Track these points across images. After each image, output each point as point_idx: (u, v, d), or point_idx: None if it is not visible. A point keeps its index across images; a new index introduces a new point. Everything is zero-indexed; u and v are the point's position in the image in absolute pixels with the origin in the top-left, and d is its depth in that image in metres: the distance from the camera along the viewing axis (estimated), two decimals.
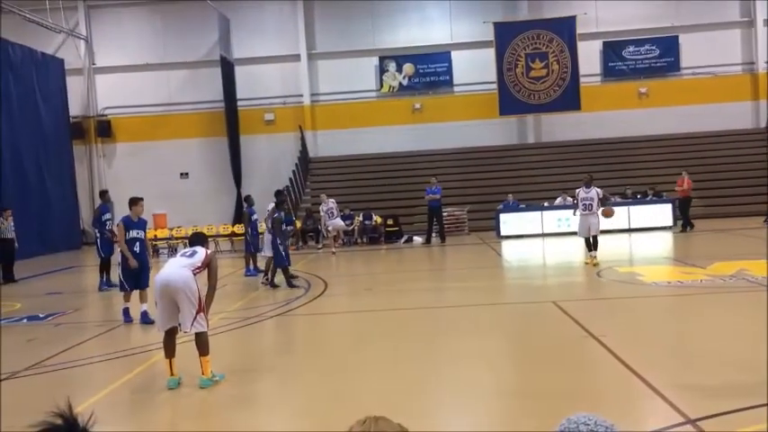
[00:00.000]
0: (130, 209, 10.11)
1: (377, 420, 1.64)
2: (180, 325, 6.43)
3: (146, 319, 9.68)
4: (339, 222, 18.81)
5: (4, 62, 22.25)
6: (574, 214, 14.34)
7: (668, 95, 26.42)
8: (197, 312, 6.34)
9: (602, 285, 11.47)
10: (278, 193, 14.41)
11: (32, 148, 23.35)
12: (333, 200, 19.04)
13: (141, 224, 10.20)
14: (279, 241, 12.57)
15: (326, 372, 6.98)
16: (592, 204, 13.46)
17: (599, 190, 13.73)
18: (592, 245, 13.51)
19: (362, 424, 1.63)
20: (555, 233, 19.89)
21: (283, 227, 13.07)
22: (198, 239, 7.07)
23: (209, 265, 6.58)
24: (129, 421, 5.81)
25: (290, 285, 12.52)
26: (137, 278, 9.92)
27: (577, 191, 13.87)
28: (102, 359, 7.95)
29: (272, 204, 13.80)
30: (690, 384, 5.72)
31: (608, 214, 13.87)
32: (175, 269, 6.45)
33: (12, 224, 16.18)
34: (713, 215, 19.88)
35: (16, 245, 16.37)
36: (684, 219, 19.37)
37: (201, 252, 6.66)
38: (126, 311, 9.94)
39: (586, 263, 13.46)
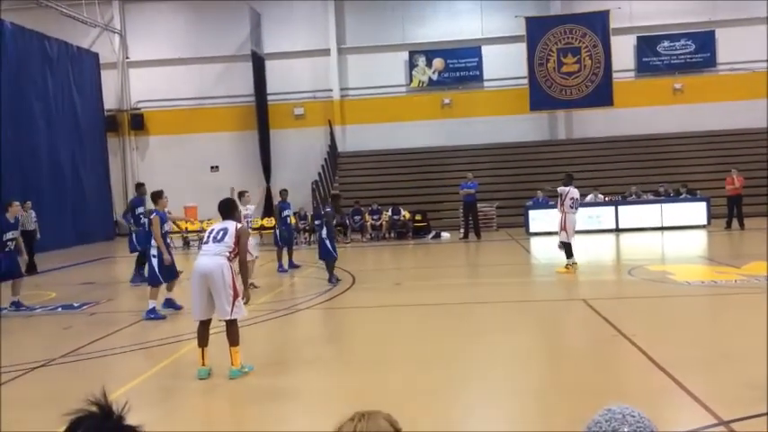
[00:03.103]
0: (156, 202, 10.22)
1: (368, 417, 1.61)
2: (217, 314, 6.50)
3: (172, 306, 10.07)
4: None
5: (42, 56, 22.72)
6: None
7: (704, 91, 25.91)
8: (234, 298, 6.43)
9: (633, 284, 11.31)
10: (334, 197, 14.68)
11: (68, 141, 23.80)
12: (252, 206, 13.97)
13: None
14: (324, 236, 12.51)
15: (354, 366, 7.01)
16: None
17: (563, 189, 12.52)
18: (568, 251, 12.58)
19: (352, 422, 1.61)
20: (585, 230, 19.65)
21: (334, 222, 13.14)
22: (227, 208, 6.83)
23: (239, 240, 6.56)
24: (160, 410, 5.89)
25: (331, 281, 12.33)
26: (170, 270, 10.06)
27: (570, 189, 12.60)
28: (135, 348, 8.09)
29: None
30: (722, 385, 5.62)
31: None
32: (212, 258, 6.46)
33: (33, 215, 16.27)
34: (750, 214, 19.46)
35: (38, 236, 16.42)
36: (731, 217, 19.04)
37: (231, 229, 6.56)
38: (153, 310, 9.81)
39: (566, 270, 12.39)
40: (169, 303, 10.21)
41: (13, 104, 20.59)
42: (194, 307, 6.62)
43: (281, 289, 12.39)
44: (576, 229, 18.64)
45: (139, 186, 14.34)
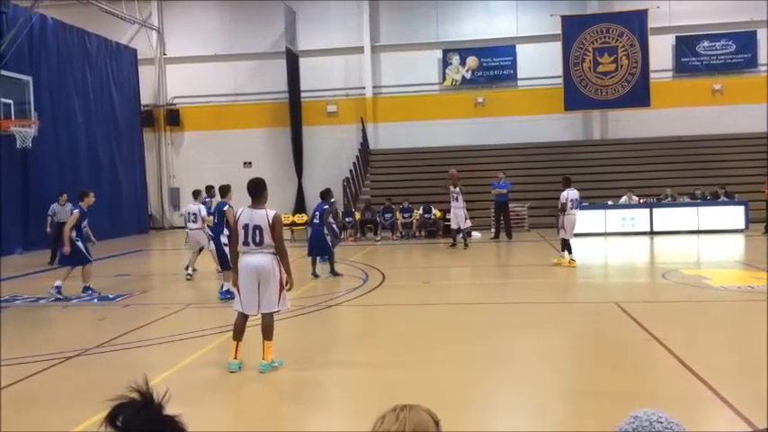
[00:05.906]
0: (226, 195, 10.97)
1: (409, 408, 1.63)
2: (263, 307, 6.61)
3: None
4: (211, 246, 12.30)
5: (82, 52, 23.18)
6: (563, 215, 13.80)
7: (744, 93, 25.32)
8: (281, 290, 6.60)
9: (667, 288, 11.14)
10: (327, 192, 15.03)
11: (106, 135, 24.27)
12: (199, 204, 13.61)
13: None
14: (326, 231, 13.21)
15: (383, 364, 7.03)
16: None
17: (563, 195, 13.63)
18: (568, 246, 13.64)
19: (395, 412, 1.63)
20: (618, 233, 19.42)
21: (329, 219, 13.77)
22: (258, 187, 6.81)
23: (274, 232, 6.57)
24: (190, 402, 5.96)
25: (313, 273, 13.14)
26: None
27: (568, 192, 13.63)
28: (167, 340, 8.22)
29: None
30: (756, 392, 5.50)
31: None
32: (261, 256, 6.56)
33: (69, 207, 16.52)
34: None
35: None
36: None
37: (263, 225, 6.53)
38: (227, 291, 10.44)
39: (567, 264, 13.46)
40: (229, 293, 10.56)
41: (53, 99, 21.07)
42: (244, 300, 6.64)
43: (312, 285, 12.47)
44: (609, 231, 18.81)
45: (210, 188, 14.78)
